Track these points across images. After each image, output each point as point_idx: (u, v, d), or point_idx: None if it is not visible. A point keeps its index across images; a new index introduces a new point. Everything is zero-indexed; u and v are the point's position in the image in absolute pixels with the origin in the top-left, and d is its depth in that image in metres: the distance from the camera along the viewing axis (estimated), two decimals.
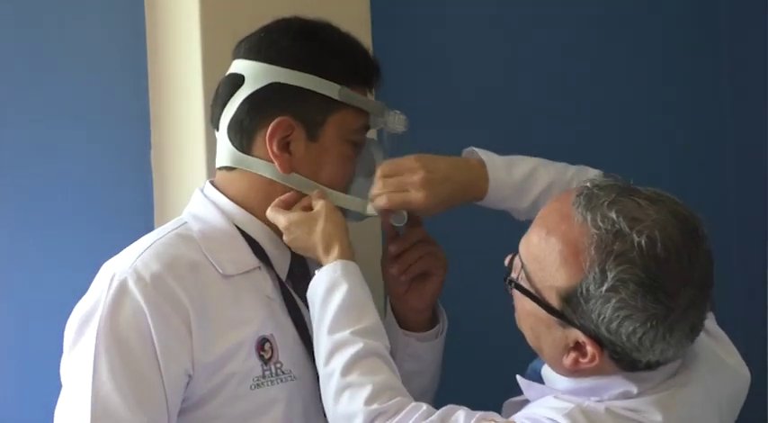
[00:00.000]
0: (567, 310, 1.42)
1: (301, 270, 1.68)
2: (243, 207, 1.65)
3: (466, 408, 1.49)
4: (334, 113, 1.63)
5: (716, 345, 1.56)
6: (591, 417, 1.42)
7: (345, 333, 1.52)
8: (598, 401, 1.45)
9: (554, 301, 1.43)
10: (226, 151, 1.66)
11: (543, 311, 1.45)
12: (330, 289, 1.56)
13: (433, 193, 1.65)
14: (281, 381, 1.57)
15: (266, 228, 1.65)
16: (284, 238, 1.63)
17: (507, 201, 1.70)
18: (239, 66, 1.65)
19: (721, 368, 1.54)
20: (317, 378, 1.59)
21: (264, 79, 1.62)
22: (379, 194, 1.66)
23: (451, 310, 1.82)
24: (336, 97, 1.62)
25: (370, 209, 1.68)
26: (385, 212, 1.68)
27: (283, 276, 1.65)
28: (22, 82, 1.96)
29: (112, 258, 1.58)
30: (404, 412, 1.47)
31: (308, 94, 1.61)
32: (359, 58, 1.67)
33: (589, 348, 1.43)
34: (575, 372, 1.47)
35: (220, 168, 1.68)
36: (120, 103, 2.01)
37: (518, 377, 1.57)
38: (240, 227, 1.64)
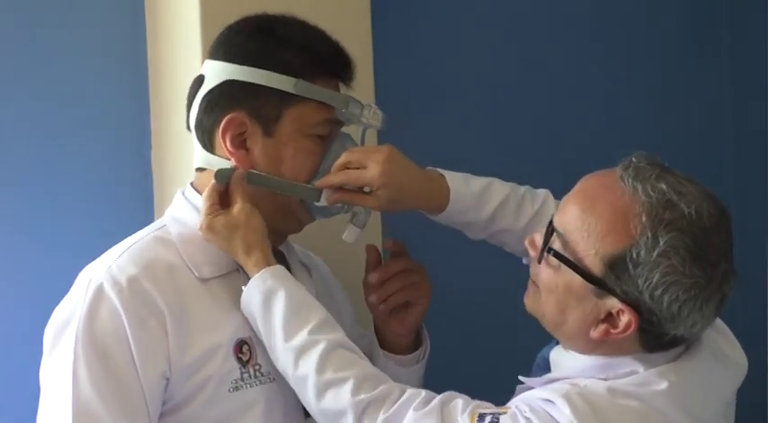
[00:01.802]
0: (610, 277, 1.44)
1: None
2: None
3: (465, 396, 1.50)
4: (291, 108, 1.60)
5: (716, 335, 1.57)
6: (588, 398, 1.43)
7: (303, 335, 1.51)
8: (602, 379, 1.47)
9: (596, 269, 1.45)
10: (197, 152, 1.66)
11: (579, 281, 1.47)
12: (267, 299, 1.54)
13: (391, 172, 1.62)
14: (260, 383, 1.56)
15: None
16: (202, 236, 1.59)
17: (467, 212, 1.69)
18: (204, 66, 1.65)
19: (722, 358, 1.56)
20: None
21: (219, 77, 1.61)
22: (335, 172, 1.62)
23: (451, 309, 1.82)
24: (292, 91, 1.59)
25: (324, 198, 1.64)
26: (341, 197, 1.63)
27: None
28: (22, 82, 1.96)
29: (91, 263, 1.58)
30: (403, 399, 1.48)
31: (261, 90, 1.59)
32: (320, 50, 1.63)
33: (625, 317, 1.45)
34: (597, 346, 1.49)
35: (197, 170, 1.68)
36: (120, 104, 2.01)
37: (521, 378, 1.57)
38: None
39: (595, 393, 1.44)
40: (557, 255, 1.49)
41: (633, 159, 1.48)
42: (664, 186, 1.44)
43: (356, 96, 1.66)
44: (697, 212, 1.43)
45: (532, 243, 1.54)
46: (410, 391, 1.49)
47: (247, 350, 1.56)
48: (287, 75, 1.59)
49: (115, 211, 1.98)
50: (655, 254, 1.41)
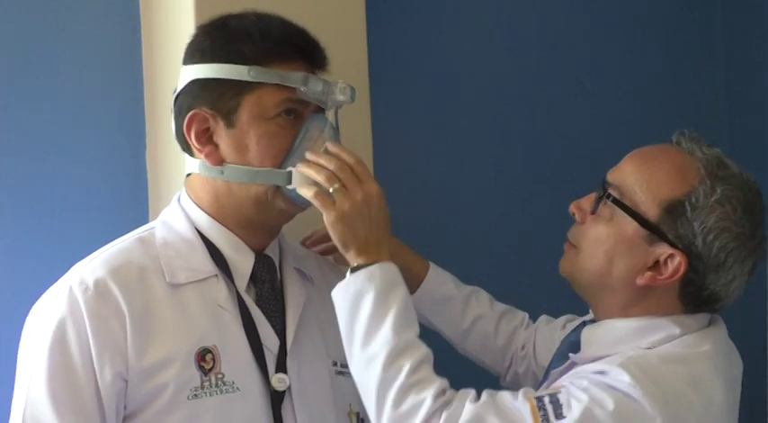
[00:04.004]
0: (666, 222, 1.54)
1: (267, 274, 1.66)
2: (204, 211, 1.64)
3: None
4: (248, 95, 1.59)
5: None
6: (642, 366, 1.49)
7: (411, 334, 1.54)
8: (647, 349, 1.53)
9: (651, 214, 1.55)
10: (185, 159, 1.67)
11: (632, 228, 1.55)
12: (392, 285, 1.55)
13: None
14: (221, 392, 1.56)
15: (228, 232, 1.64)
16: (331, 233, 1.58)
17: (446, 284, 1.80)
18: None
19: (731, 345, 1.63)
20: (269, 390, 1.58)
21: (185, 80, 1.63)
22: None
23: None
24: (247, 79, 1.58)
25: (296, 180, 1.60)
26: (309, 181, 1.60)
27: (243, 284, 1.63)
28: (17, 84, 1.96)
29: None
30: (457, 396, 1.51)
31: (219, 84, 1.60)
32: (274, 36, 1.61)
33: (674, 261, 1.54)
34: (637, 301, 1.56)
35: (186, 176, 1.68)
36: (114, 105, 2.01)
37: (552, 371, 1.62)
38: (203, 233, 1.64)
39: (647, 361, 1.50)
40: (615, 201, 1.56)
41: (684, 132, 1.60)
42: (716, 150, 1.58)
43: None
44: (747, 175, 1.57)
45: (578, 206, 1.61)
46: (462, 390, 1.52)
47: (211, 359, 1.57)
48: (241, 64, 1.59)
49: (109, 212, 1.98)
50: (712, 199, 1.52)
